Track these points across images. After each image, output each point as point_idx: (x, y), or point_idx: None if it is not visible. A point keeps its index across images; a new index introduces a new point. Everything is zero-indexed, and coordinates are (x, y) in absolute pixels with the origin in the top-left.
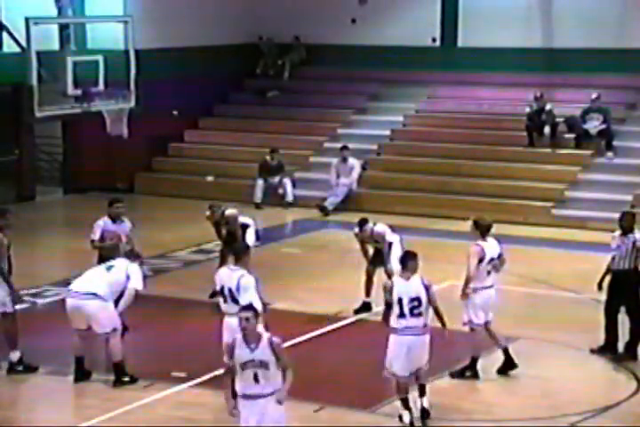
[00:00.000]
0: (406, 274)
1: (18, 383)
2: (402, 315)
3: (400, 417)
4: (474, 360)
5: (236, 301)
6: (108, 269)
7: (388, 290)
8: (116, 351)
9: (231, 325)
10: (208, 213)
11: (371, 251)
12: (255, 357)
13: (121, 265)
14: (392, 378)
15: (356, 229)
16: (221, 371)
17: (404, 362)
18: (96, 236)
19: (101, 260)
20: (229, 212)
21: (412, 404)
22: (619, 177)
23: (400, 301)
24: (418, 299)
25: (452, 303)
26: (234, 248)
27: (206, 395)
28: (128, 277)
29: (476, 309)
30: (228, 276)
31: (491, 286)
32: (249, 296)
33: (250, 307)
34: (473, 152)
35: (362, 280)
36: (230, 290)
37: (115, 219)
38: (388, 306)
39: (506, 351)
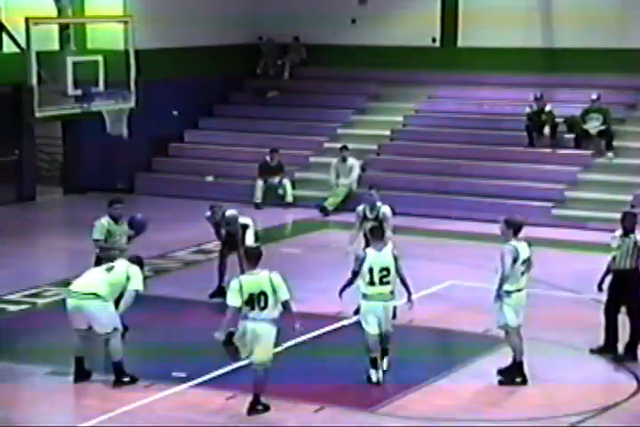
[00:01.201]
0: (379, 245)
1: (18, 383)
2: (372, 283)
3: (369, 378)
4: (520, 364)
5: (262, 307)
6: (109, 269)
7: (360, 260)
8: (116, 351)
9: (248, 331)
10: (208, 213)
11: (362, 245)
12: None
13: (121, 266)
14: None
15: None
16: (221, 371)
17: (373, 324)
18: (101, 235)
19: (99, 263)
20: (230, 213)
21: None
22: (618, 177)
23: (371, 270)
24: (387, 269)
25: (452, 303)
26: (252, 254)
27: (206, 395)
28: (128, 279)
29: (510, 311)
30: (257, 281)
31: (523, 289)
32: (285, 292)
33: None
34: (473, 152)
35: None
36: (264, 294)
37: (117, 219)
38: (355, 274)
39: (515, 359)
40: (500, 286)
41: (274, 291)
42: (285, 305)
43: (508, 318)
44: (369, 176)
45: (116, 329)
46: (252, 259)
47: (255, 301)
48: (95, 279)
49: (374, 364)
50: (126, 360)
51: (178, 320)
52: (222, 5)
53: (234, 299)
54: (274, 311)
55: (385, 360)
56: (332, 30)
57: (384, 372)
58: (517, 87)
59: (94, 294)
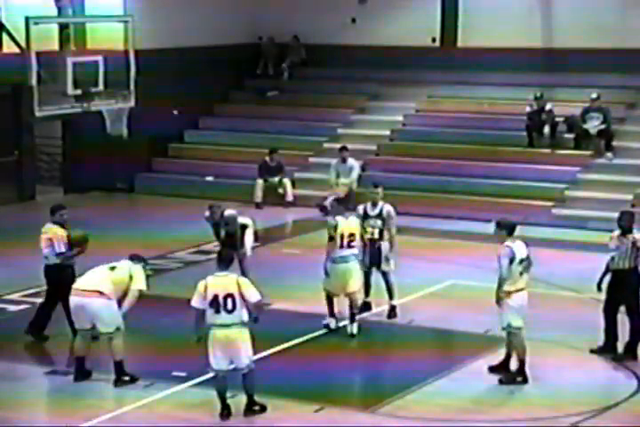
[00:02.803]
0: (346, 214)
1: (18, 383)
2: (341, 246)
3: (327, 325)
4: (522, 363)
5: (230, 310)
6: (112, 268)
7: (333, 227)
8: (118, 351)
9: (220, 338)
10: (207, 213)
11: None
12: None
13: (124, 266)
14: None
15: (374, 189)
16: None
17: (335, 283)
18: (62, 248)
19: (54, 273)
20: (229, 212)
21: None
22: (618, 177)
23: (342, 235)
24: (353, 234)
25: (452, 303)
26: (225, 256)
27: (206, 395)
28: (131, 278)
29: (512, 312)
30: (223, 283)
31: (523, 289)
32: (255, 293)
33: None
34: (473, 152)
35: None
36: (231, 297)
37: (63, 226)
38: (331, 239)
39: (509, 356)
40: (499, 287)
41: (241, 294)
42: (256, 304)
43: (510, 318)
44: (369, 175)
45: (118, 329)
46: (224, 261)
47: (221, 303)
48: (99, 278)
49: (332, 314)
50: (127, 360)
51: (178, 320)
52: (222, 5)
53: (196, 301)
54: (242, 314)
55: (354, 326)
56: (331, 30)
57: (353, 336)
58: (517, 87)
59: (98, 291)
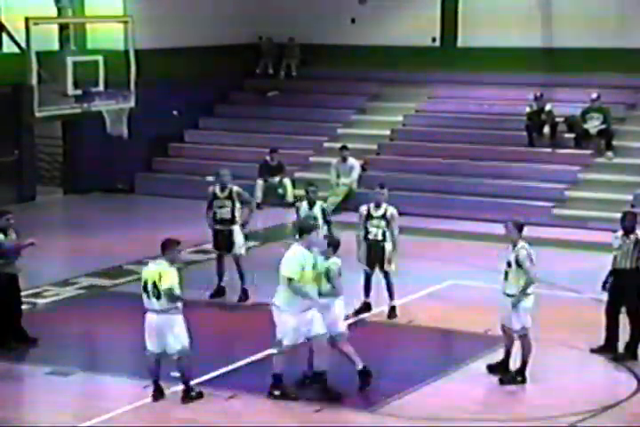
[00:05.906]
0: (307, 203)
1: (18, 383)
2: None
3: None
4: (524, 364)
5: (157, 297)
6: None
7: (296, 211)
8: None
9: (150, 321)
10: (210, 178)
11: (363, 248)
12: None
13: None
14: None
15: (380, 190)
16: (221, 371)
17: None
18: None
19: None
20: (236, 188)
21: None
22: (619, 177)
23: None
24: (315, 217)
25: (452, 303)
26: (164, 244)
27: (206, 395)
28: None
29: (528, 314)
30: (150, 270)
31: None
32: (166, 281)
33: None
34: (473, 152)
35: (361, 280)
36: (154, 284)
37: (5, 231)
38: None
39: (509, 356)
40: (525, 289)
41: (159, 280)
42: (167, 293)
43: (525, 320)
44: (370, 175)
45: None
46: (162, 248)
47: (149, 289)
48: None
49: None
50: (125, 359)
51: None
52: (222, 5)
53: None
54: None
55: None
56: (331, 30)
57: None
58: (517, 87)
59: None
